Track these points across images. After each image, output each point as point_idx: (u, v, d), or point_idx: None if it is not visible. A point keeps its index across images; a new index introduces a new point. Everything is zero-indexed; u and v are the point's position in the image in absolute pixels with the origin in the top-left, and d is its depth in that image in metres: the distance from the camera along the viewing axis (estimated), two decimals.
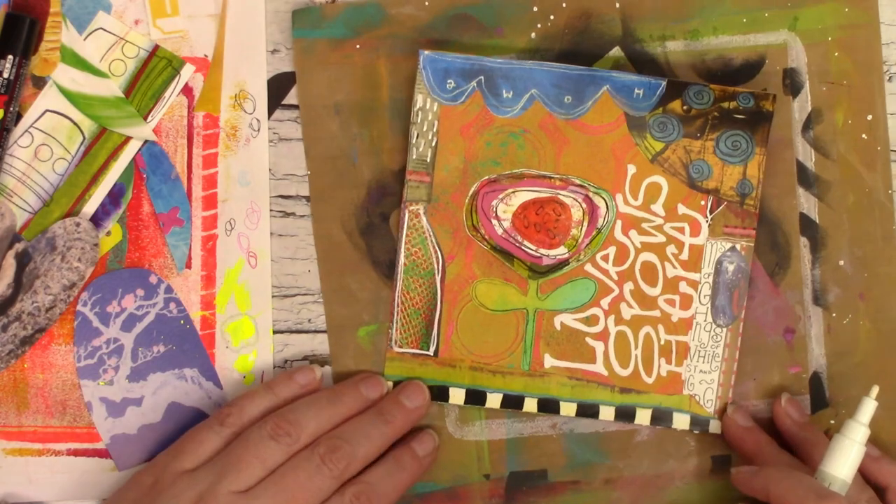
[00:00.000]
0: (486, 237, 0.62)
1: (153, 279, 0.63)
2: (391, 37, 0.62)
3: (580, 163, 0.61)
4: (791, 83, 0.62)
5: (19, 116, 0.62)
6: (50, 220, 0.62)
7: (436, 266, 0.62)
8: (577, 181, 0.61)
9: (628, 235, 0.62)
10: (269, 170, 0.63)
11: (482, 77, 0.61)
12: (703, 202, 0.61)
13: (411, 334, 0.62)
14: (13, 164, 0.62)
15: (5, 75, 0.60)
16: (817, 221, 0.63)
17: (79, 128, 0.62)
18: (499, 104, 0.61)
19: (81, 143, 0.62)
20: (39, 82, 0.62)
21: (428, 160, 0.62)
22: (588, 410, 0.62)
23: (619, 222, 0.62)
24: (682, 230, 0.62)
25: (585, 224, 0.62)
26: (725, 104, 0.61)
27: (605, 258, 0.62)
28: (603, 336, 0.62)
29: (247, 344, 0.63)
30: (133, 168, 0.62)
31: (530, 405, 0.62)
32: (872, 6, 0.62)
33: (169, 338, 0.63)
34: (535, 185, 0.62)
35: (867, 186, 0.62)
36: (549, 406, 0.62)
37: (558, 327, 0.62)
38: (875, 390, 0.56)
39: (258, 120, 0.63)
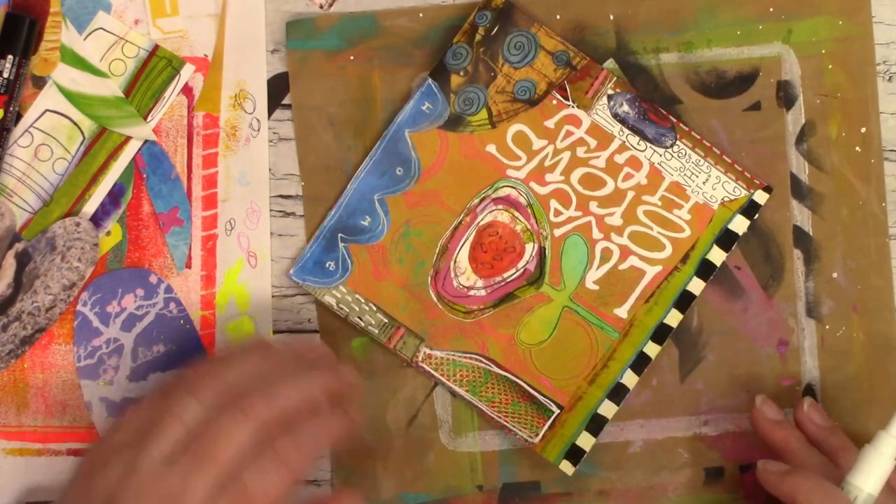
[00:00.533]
0: (482, 307, 0.62)
1: (153, 279, 0.63)
2: (385, 48, 0.62)
3: (463, 190, 0.62)
4: (785, 95, 0.62)
5: (19, 116, 0.62)
6: (50, 219, 0.62)
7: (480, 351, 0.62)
8: (476, 201, 0.62)
9: (548, 184, 0.62)
10: (269, 170, 0.63)
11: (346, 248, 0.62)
12: (554, 102, 0.62)
13: (523, 423, 0.62)
14: (13, 164, 0.62)
15: (5, 75, 0.60)
16: (811, 234, 0.62)
17: (79, 128, 0.62)
18: (360, 236, 0.62)
19: (81, 143, 0.62)
20: (39, 82, 0.62)
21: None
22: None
23: (532, 184, 0.62)
24: (569, 133, 0.62)
25: (519, 215, 0.62)
26: (477, 35, 0.61)
27: (558, 213, 0.62)
28: (623, 251, 0.62)
29: None
30: (133, 168, 0.62)
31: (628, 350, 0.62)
32: (866, 19, 0.62)
33: (169, 338, 0.63)
34: (459, 236, 0.62)
35: (861, 199, 0.62)
36: (663, 332, 0.61)
37: (597, 286, 0.62)
38: None
39: (258, 120, 0.63)
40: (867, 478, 0.55)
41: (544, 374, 0.62)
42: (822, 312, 0.62)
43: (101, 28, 0.62)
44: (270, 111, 0.63)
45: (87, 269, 0.62)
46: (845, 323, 0.62)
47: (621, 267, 0.62)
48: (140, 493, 0.52)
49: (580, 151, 0.62)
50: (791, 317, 0.62)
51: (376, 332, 0.62)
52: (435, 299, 0.62)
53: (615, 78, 0.61)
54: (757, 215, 0.61)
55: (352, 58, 0.62)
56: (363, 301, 0.62)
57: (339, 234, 0.62)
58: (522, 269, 0.62)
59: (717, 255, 0.61)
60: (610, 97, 0.61)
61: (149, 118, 0.62)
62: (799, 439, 0.59)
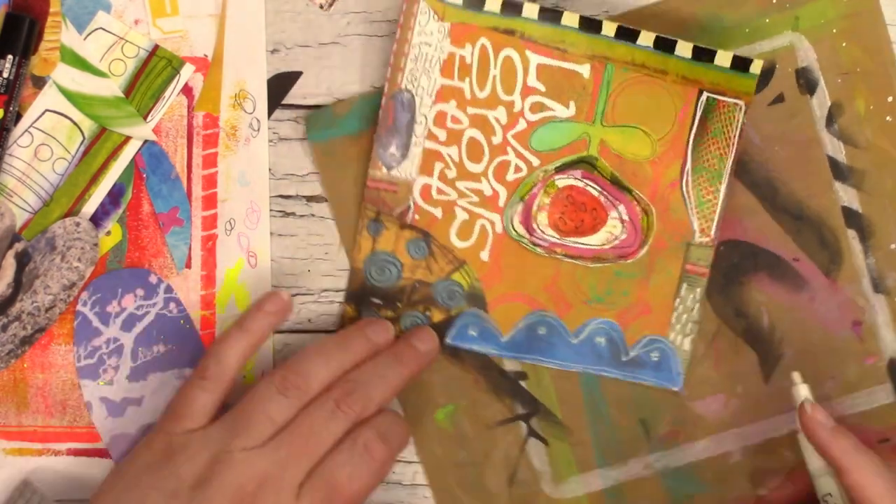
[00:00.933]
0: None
1: (153, 279, 0.63)
2: None
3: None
4: (805, 82, 0.62)
5: (19, 116, 0.62)
6: (50, 219, 0.62)
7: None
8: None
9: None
10: (269, 169, 0.63)
11: None
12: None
13: None
14: (13, 164, 0.62)
15: (5, 75, 0.60)
16: (860, 211, 0.62)
17: (79, 128, 0.62)
18: None
19: (81, 143, 0.62)
20: (39, 82, 0.62)
21: None
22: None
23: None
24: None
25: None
26: None
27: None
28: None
29: None
30: (133, 168, 0.62)
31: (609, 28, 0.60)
32: None
33: (169, 338, 0.63)
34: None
35: None
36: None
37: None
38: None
39: (258, 120, 0.63)
40: None
41: None
42: (889, 285, 0.63)
43: (101, 28, 0.62)
44: (270, 111, 0.63)
45: (87, 269, 0.62)
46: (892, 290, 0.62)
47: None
48: (232, 477, 0.55)
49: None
50: (859, 296, 0.62)
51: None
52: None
53: None
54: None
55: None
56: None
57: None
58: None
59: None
60: None
61: (149, 118, 0.62)
62: (856, 446, 0.56)
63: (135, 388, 0.63)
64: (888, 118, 0.62)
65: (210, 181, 0.63)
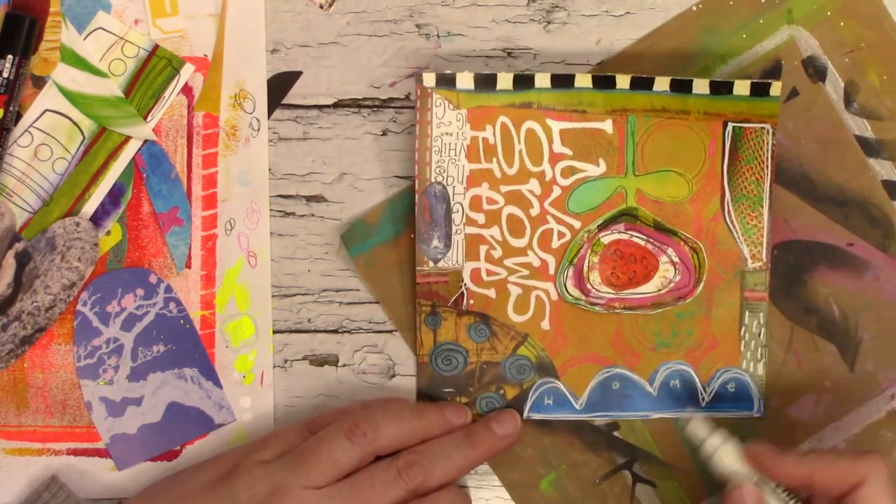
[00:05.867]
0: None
1: (153, 279, 0.63)
2: None
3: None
4: (814, 70, 0.63)
5: (19, 116, 0.62)
6: (50, 219, 0.62)
7: None
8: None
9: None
10: (269, 169, 0.63)
11: None
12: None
13: None
14: (13, 164, 0.62)
15: (5, 75, 0.60)
16: None
17: (78, 127, 0.62)
18: None
19: (81, 143, 0.62)
20: (39, 82, 0.62)
21: None
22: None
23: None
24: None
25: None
26: None
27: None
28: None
29: (246, 343, 0.63)
30: (133, 168, 0.62)
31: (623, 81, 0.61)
32: None
33: (169, 337, 0.63)
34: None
35: None
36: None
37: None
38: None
39: (258, 119, 0.63)
40: None
41: None
42: None
43: (101, 28, 0.62)
44: (270, 111, 0.63)
45: (87, 269, 0.62)
46: None
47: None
48: None
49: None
50: None
51: None
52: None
53: None
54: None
55: (412, 236, 0.62)
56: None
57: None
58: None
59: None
60: None
61: (149, 118, 0.62)
62: (804, 452, 0.56)
63: (135, 387, 0.63)
64: None
65: (210, 181, 0.63)
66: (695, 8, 0.62)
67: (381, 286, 0.63)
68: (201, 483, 0.57)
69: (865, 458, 0.53)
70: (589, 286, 0.62)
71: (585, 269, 0.62)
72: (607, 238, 0.62)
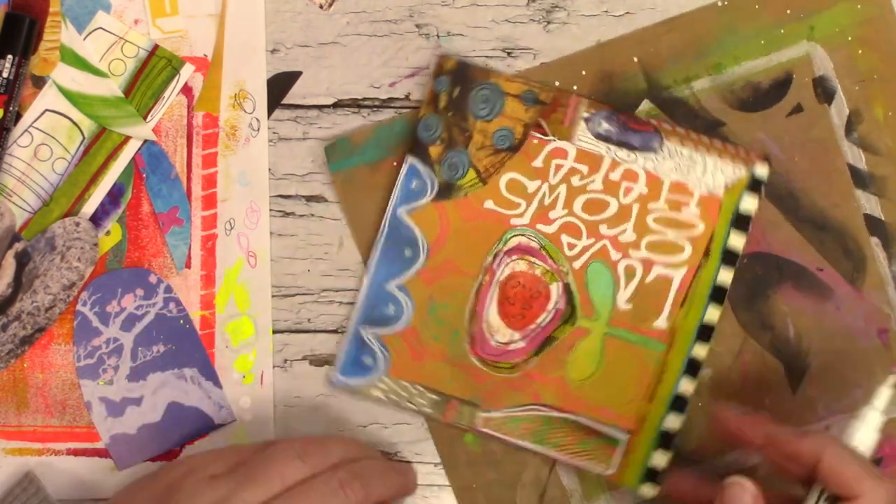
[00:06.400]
0: (515, 360, 0.62)
1: (153, 279, 0.63)
2: None
3: (474, 252, 0.62)
4: (823, 91, 0.62)
5: (19, 116, 0.62)
6: (49, 219, 0.62)
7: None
8: (490, 257, 0.62)
9: (553, 222, 0.62)
10: (269, 169, 0.63)
11: None
12: (535, 141, 0.61)
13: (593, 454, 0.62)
14: (13, 164, 0.62)
15: (5, 75, 0.60)
16: (883, 219, 0.62)
17: (78, 127, 0.62)
18: None
19: (81, 143, 0.62)
20: (39, 82, 0.62)
21: None
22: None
23: (540, 226, 0.62)
24: (560, 167, 0.62)
25: (537, 261, 0.62)
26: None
27: (571, 246, 0.62)
28: (646, 264, 0.61)
29: (246, 344, 0.63)
30: (133, 168, 0.62)
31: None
32: None
33: (168, 337, 0.63)
34: (483, 300, 0.62)
35: None
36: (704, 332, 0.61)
37: (630, 306, 0.61)
38: (892, 378, 0.55)
39: (258, 119, 0.63)
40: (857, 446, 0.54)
41: (603, 405, 0.61)
42: None
43: (101, 28, 0.62)
44: (270, 111, 0.63)
45: (87, 269, 0.62)
46: None
47: (648, 280, 0.61)
48: None
49: (575, 181, 0.61)
50: (884, 304, 0.62)
51: (430, 411, 0.62)
52: (478, 364, 0.62)
53: (587, 101, 0.61)
54: (763, 188, 0.61)
55: (395, 164, 0.62)
56: (409, 385, 0.62)
57: (368, 330, 0.62)
58: (553, 311, 0.62)
59: (737, 240, 0.61)
60: (587, 120, 0.61)
61: (148, 118, 0.62)
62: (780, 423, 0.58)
63: (134, 387, 0.63)
64: None
65: (210, 181, 0.63)
66: (720, 3, 0.62)
67: (354, 207, 0.62)
68: (150, 495, 0.57)
69: (871, 480, 0.53)
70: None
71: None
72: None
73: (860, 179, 0.62)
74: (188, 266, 0.63)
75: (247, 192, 0.63)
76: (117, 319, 0.63)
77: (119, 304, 0.63)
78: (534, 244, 0.62)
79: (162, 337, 0.63)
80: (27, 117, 0.62)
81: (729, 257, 0.61)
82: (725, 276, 0.61)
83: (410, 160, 0.61)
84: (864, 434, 0.55)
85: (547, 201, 0.62)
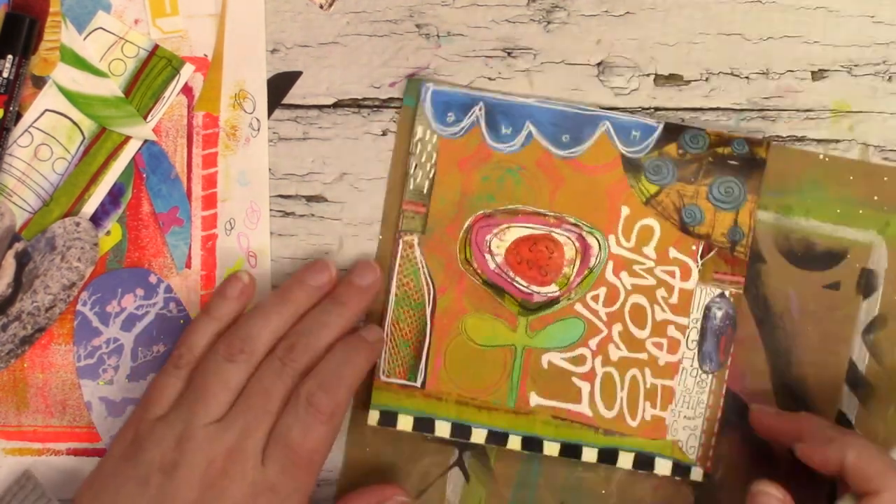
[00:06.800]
0: (479, 271, 0.62)
1: (153, 279, 0.63)
2: None
3: (575, 202, 0.62)
4: (866, 284, 0.62)
5: (19, 116, 0.62)
6: (50, 219, 0.62)
7: (427, 298, 0.62)
8: (572, 220, 0.62)
9: (619, 276, 0.62)
10: (269, 169, 0.63)
11: (482, 111, 0.61)
12: (694, 247, 0.61)
13: (399, 364, 0.62)
14: (13, 164, 0.62)
15: (5, 75, 0.60)
16: (853, 423, 0.62)
17: (78, 127, 0.62)
18: (497, 139, 0.62)
19: (81, 143, 0.62)
20: (39, 82, 0.62)
21: (424, 191, 0.62)
22: (571, 451, 0.62)
23: (610, 263, 0.62)
24: (672, 274, 0.62)
25: (577, 263, 0.62)
26: (720, 149, 0.61)
27: (596, 298, 0.62)
28: (589, 376, 0.62)
29: None
30: (133, 168, 0.62)
31: (514, 442, 0.62)
32: None
33: (169, 338, 0.63)
34: (529, 222, 0.62)
35: None
36: (532, 444, 0.62)
37: (545, 365, 0.62)
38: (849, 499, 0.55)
39: (258, 119, 0.63)
40: None
41: (451, 377, 0.62)
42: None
43: (101, 28, 0.62)
44: (270, 111, 0.63)
45: (87, 269, 0.62)
46: None
47: (574, 378, 0.62)
48: (199, 455, 0.55)
49: (659, 293, 0.62)
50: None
51: None
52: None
53: (735, 291, 0.61)
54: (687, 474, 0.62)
55: None
56: None
57: None
58: (531, 292, 0.62)
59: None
60: (715, 301, 0.62)
61: (148, 118, 0.62)
62: (814, 418, 0.59)
63: (135, 388, 0.63)
64: None
65: (210, 181, 0.63)
66: (821, 157, 0.62)
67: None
68: (114, 461, 0.57)
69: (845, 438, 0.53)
70: None
71: None
72: None
73: (853, 378, 0.62)
74: (188, 266, 0.63)
75: (247, 192, 0.63)
76: (117, 319, 0.63)
77: (119, 304, 0.63)
78: (593, 257, 0.62)
79: (162, 337, 0.63)
80: (27, 117, 0.62)
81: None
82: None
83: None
84: None
85: (636, 267, 0.62)
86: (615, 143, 0.61)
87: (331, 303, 0.60)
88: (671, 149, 0.61)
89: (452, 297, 0.62)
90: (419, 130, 0.62)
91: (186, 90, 0.62)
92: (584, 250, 0.62)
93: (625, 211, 0.62)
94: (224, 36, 0.62)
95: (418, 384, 0.62)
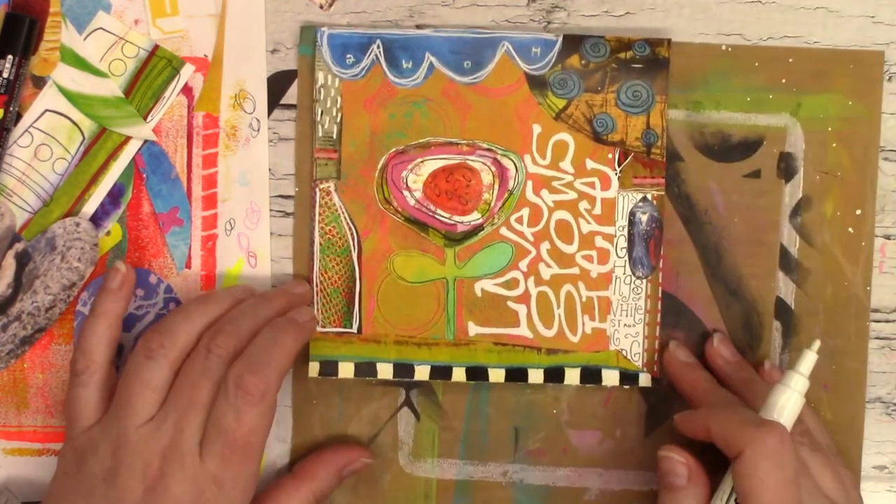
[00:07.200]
0: (399, 209, 0.62)
1: (153, 279, 0.63)
2: None
3: (485, 126, 0.62)
4: (786, 167, 0.62)
5: (19, 116, 0.62)
6: (50, 219, 0.62)
7: (351, 243, 0.62)
8: (485, 145, 0.62)
9: (540, 195, 0.62)
10: (269, 169, 0.63)
11: (380, 49, 0.61)
12: (610, 155, 0.62)
13: (333, 313, 0.62)
14: (13, 164, 0.62)
15: (5, 75, 0.60)
16: (793, 308, 0.62)
17: (78, 128, 0.62)
18: (399, 75, 0.62)
19: (81, 143, 0.62)
20: (39, 82, 0.62)
21: (334, 137, 0.62)
22: (517, 375, 0.62)
23: (529, 183, 0.62)
24: (592, 185, 0.62)
25: (496, 187, 0.62)
26: (622, 54, 0.61)
27: (520, 220, 0.62)
28: (524, 298, 0.62)
29: None
30: (133, 168, 0.62)
31: (459, 374, 0.62)
32: (876, 102, 0.62)
33: None
34: (442, 153, 0.62)
35: (847, 280, 0.62)
36: (477, 374, 0.62)
37: (479, 294, 0.62)
38: (816, 344, 0.55)
39: (258, 120, 0.63)
40: (778, 414, 0.54)
41: (387, 319, 0.62)
42: None
43: (101, 28, 0.62)
44: (270, 111, 0.63)
45: (87, 269, 0.62)
46: (814, 400, 0.62)
47: (509, 302, 0.62)
48: (135, 458, 0.54)
49: (582, 206, 0.62)
50: None
51: None
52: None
53: (656, 193, 0.62)
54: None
55: None
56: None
57: None
58: (454, 222, 0.62)
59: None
60: (638, 206, 0.62)
61: (149, 118, 0.62)
62: (709, 380, 0.60)
63: None
64: (850, 229, 0.62)
65: (210, 181, 0.63)
66: (724, 48, 0.62)
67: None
68: (60, 482, 0.56)
69: (750, 429, 0.53)
70: None
71: None
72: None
73: (786, 263, 0.62)
74: (188, 266, 0.63)
75: (247, 192, 0.63)
76: None
77: None
78: (510, 179, 0.62)
79: None
80: (27, 117, 0.62)
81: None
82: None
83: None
84: (790, 398, 0.55)
85: (555, 184, 0.62)
86: (517, 62, 0.61)
87: (257, 298, 0.60)
88: (573, 60, 0.61)
89: (377, 239, 0.62)
90: (320, 76, 0.62)
91: (186, 90, 0.62)
92: (501, 174, 0.62)
93: (536, 129, 0.62)
94: (224, 36, 0.62)
95: (354, 330, 0.62)
